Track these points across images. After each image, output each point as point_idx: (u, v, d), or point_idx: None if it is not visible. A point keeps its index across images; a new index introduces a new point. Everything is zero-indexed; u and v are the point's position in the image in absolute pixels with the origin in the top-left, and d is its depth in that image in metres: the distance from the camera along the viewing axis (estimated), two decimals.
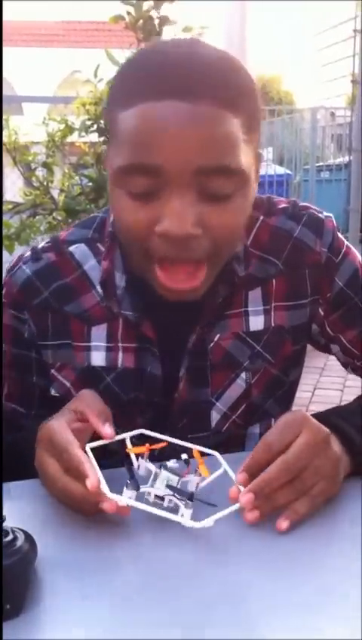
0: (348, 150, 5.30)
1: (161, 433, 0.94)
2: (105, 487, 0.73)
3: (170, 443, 0.85)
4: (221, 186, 0.79)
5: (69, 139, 3.61)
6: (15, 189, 3.76)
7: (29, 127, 3.72)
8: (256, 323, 0.99)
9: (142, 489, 0.77)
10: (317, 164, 8.99)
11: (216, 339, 0.98)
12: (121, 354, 0.97)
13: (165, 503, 0.76)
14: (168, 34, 3.32)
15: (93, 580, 0.68)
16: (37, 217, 3.50)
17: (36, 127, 3.65)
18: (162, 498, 0.76)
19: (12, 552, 0.64)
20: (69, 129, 3.52)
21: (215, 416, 1.00)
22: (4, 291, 0.99)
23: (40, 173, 3.65)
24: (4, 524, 0.65)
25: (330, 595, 0.66)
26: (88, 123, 3.36)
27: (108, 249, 0.97)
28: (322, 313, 1.02)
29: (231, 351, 0.98)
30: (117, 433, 0.84)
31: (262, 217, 1.00)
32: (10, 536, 0.65)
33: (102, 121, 3.34)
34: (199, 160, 0.77)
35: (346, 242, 1.03)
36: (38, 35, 16.27)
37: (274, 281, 0.99)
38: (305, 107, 8.71)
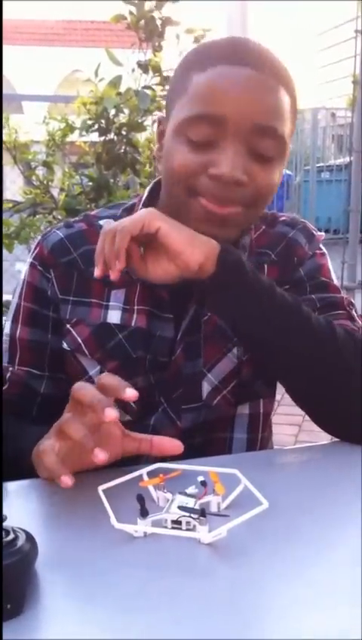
0: (349, 151, 5.30)
1: (158, 403, 1.05)
2: (113, 520, 0.75)
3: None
4: (267, 147, 0.94)
5: (70, 138, 3.61)
6: (15, 188, 3.76)
7: (29, 125, 3.72)
8: None
9: (158, 516, 0.77)
10: (318, 165, 9.01)
11: (209, 313, 1.06)
12: (135, 315, 1.06)
13: (183, 527, 0.76)
14: (171, 34, 3.33)
15: (93, 580, 0.68)
16: (37, 216, 3.50)
17: (36, 126, 3.65)
18: (179, 522, 0.76)
19: (13, 551, 0.64)
20: (70, 128, 3.52)
21: (206, 388, 1.06)
22: (35, 252, 1.10)
23: (40, 172, 3.65)
24: (5, 524, 0.65)
25: (330, 595, 0.66)
26: (89, 122, 3.36)
27: None
28: None
29: (222, 325, 1.06)
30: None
31: (264, 227, 1.14)
32: (11, 536, 0.65)
33: (102, 121, 3.34)
34: (256, 117, 0.93)
35: (329, 263, 1.16)
36: (39, 34, 16.29)
37: (266, 267, 1.10)
38: (305, 108, 8.73)
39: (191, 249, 0.89)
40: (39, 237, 1.12)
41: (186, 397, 1.06)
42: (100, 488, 0.81)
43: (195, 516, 0.75)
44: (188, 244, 0.89)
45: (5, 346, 1.09)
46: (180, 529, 0.76)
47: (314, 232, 1.15)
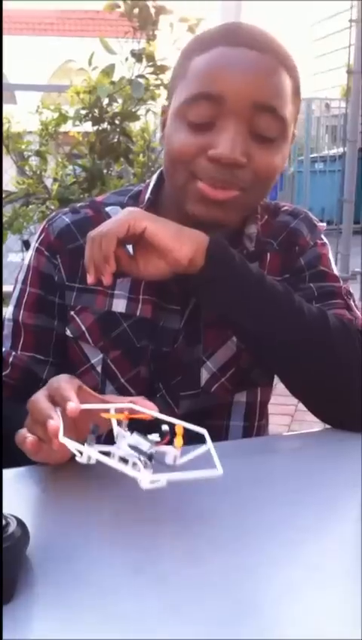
0: (343, 141, 5.30)
1: (156, 389, 1.04)
2: (61, 434, 0.73)
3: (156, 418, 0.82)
4: (268, 127, 0.94)
5: (63, 128, 3.59)
6: (8, 178, 3.74)
7: (22, 115, 3.70)
8: None
9: (107, 449, 0.75)
10: (312, 156, 9.00)
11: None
12: (140, 305, 1.06)
13: (129, 466, 0.73)
14: (164, 24, 3.31)
15: (85, 566, 0.68)
16: (30, 206, 3.48)
17: (29, 116, 3.63)
18: (126, 461, 0.73)
19: (4, 538, 0.64)
20: (63, 118, 3.50)
21: (205, 375, 1.07)
22: (41, 237, 1.10)
23: (33, 162, 3.63)
24: None
25: (333, 580, 0.66)
26: (82, 112, 3.34)
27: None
28: None
29: None
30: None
31: (266, 217, 1.14)
32: (2, 522, 0.65)
33: (96, 110, 3.32)
34: (256, 96, 0.92)
35: (330, 253, 1.16)
36: (32, 24, 16.21)
37: (268, 255, 1.10)
38: None
39: (180, 245, 0.89)
40: (44, 221, 1.11)
41: (185, 384, 1.06)
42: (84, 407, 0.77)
43: (142, 458, 0.72)
44: (176, 241, 0.89)
45: (7, 331, 1.08)
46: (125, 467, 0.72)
47: (316, 222, 1.16)
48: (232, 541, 0.72)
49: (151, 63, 3.30)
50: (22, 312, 1.08)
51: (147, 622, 0.60)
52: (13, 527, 0.65)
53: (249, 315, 0.95)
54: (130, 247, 0.94)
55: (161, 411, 1.02)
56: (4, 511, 0.67)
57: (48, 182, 3.61)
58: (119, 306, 1.06)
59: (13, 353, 1.07)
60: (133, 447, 0.75)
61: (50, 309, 1.08)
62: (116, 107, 3.35)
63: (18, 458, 0.87)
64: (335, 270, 1.14)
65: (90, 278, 0.90)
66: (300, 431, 1.12)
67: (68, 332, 1.08)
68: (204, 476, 0.72)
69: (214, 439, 1.05)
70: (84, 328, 1.07)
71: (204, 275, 0.91)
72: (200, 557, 0.70)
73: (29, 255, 1.10)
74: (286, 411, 3.33)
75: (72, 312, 1.07)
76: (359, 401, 0.97)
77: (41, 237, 1.09)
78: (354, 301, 1.09)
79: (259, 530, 0.75)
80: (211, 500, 0.79)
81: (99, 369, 1.06)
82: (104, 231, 0.89)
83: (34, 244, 1.10)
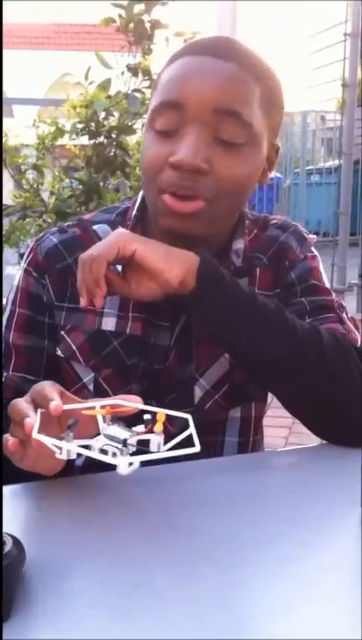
0: (338, 154, 5.32)
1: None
2: (35, 431, 0.73)
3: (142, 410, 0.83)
4: (233, 133, 0.93)
5: (60, 141, 3.60)
6: (5, 191, 3.74)
7: (19, 129, 3.71)
8: None
9: (86, 442, 0.75)
10: (307, 168, 9.04)
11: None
12: (130, 322, 1.05)
13: (109, 456, 0.73)
14: (160, 38, 3.33)
15: (81, 584, 0.68)
16: (27, 220, 3.49)
17: (26, 130, 3.64)
18: (106, 452, 0.74)
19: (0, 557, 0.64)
20: (60, 131, 3.52)
21: (198, 393, 1.06)
22: (29, 257, 1.09)
23: (30, 175, 3.64)
24: None
25: (329, 595, 0.66)
26: (79, 126, 3.36)
27: (132, 229, 1.06)
28: None
29: None
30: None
31: (256, 231, 1.13)
32: None
33: (92, 124, 3.33)
34: (217, 101, 0.92)
35: (320, 266, 1.15)
36: (29, 38, 16.30)
37: (258, 271, 1.10)
38: (295, 111, 8.75)
39: (170, 267, 0.88)
40: (32, 242, 1.11)
41: (178, 401, 1.05)
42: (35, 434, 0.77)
43: (119, 446, 0.73)
44: (166, 262, 0.88)
45: None
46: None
47: (306, 235, 1.15)
48: (229, 557, 0.72)
49: (147, 77, 3.31)
50: (12, 333, 1.08)
51: (144, 637, 0.60)
52: (9, 545, 0.65)
53: (241, 335, 0.94)
54: (119, 267, 0.94)
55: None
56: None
57: (45, 195, 3.62)
58: (109, 324, 1.06)
59: (5, 374, 1.07)
60: (111, 437, 0.75)
61: (39, 329, 1.08)
62: (112, 121, 3.37)
63: (16, 475, 0.87)
64: (327, 283, 1.13)
65: (83, 302, 0.90)
66: (298, 443, 1.12)
67: (58, 352, 1.08)
68: (181, 453, 0.73)
69: (209, 456, 1.06)
70: (74, 347, 1.07)
71: (195, 295, 0.91)
72: (197, 573, 0.70)
73: (17, 276, 1.10)
74: (283, 424, 3.32)
75: (62, 332, 1.07)
76: (354, 416, 0.97)
77: (29, 257, 1.09)
78: (346, 314, 1.09)
79: (256, 545, 0.75)
80: (207, 516, 0.79)
81: (91, 388, 1.06)
82: (94, 254, 0.89)
83: (22, 265, 1.10)
